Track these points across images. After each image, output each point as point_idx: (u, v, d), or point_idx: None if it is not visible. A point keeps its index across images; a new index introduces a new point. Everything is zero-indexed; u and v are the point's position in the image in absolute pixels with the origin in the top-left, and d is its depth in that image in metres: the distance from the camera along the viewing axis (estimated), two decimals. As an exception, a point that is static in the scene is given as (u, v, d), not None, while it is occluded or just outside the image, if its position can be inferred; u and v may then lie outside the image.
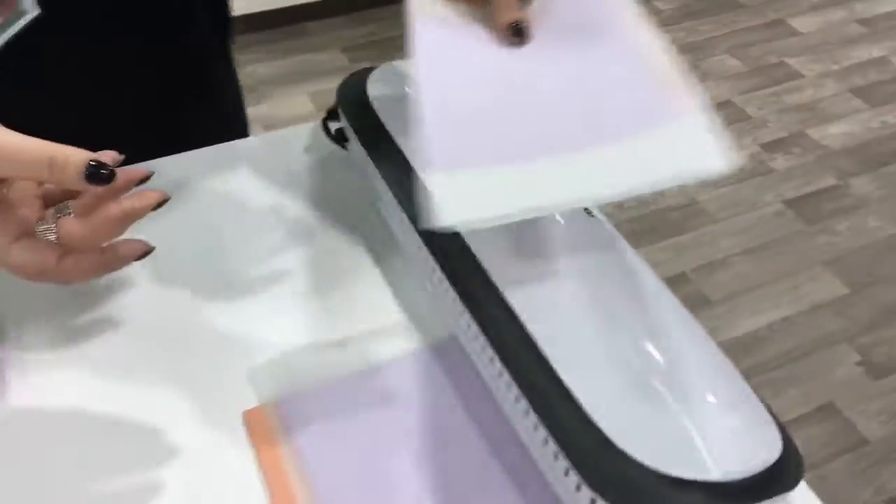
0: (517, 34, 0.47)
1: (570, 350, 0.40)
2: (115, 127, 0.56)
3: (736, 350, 1.46)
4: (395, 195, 0.50)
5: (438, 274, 0.47)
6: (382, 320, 0.50)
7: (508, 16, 0.46)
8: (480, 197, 0.39)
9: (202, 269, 0.53)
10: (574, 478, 0.37)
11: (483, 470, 0.42)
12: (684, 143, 0.41)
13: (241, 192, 0.58)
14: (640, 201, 1.69)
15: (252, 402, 0.45)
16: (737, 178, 1.81)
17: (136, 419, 0.44)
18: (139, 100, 0.66)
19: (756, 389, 0.41)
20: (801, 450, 0.39)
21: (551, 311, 0.41)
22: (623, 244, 0.47)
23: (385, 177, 0.51)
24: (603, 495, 0.36)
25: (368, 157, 0.53)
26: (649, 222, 1.68)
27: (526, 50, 0.47)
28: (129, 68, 0.64)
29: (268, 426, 0.44)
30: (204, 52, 0.69)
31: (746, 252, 1.65)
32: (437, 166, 0.40)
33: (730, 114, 1.98)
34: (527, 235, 0.46)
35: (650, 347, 0.40)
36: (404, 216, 0.49)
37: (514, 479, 0.42)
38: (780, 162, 1.86)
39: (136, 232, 0.42)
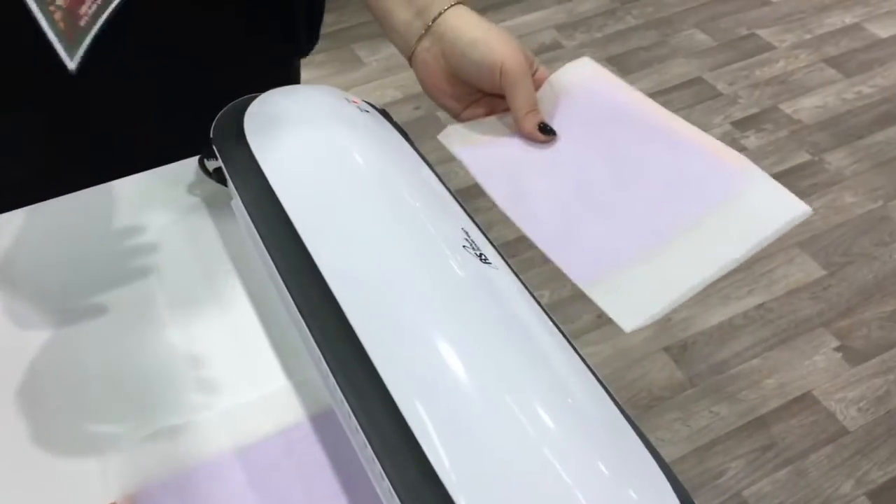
0: (546, 133, 0.53)
1: (442, 420, 0.34)
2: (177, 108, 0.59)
3: (711, 340, 1.41)
4: (267, 246, 0.45)
5: (311, 341, 0.41)
6: (263, 387, 0.45)
7: (530, 121, 0.53)
8: (641, 294, 0.44)
9: (56, 322, 0.47)
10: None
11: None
12: (763, 202, 0.48)
13: (111, 236, 0.53)
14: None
15: (107, 499, 0.40)
16: (708, 159, 1.76)
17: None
18: (205, 86, 0.62)
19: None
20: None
21: (425, 376, 0.36)
22: (519, 293, 0.42)
23: (257, 225, 0.46)
24: None
25: (241, 200, 0.47)
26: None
27: (564, 146, 0.53)
28: (204, 52, 0.62)
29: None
30: (282, 55, 0.69)
31: (720, 236, 1.60)
32: (589, 280, 0.45)
33: (699, 91, 1.92)
34: (412, 292, 0.40)
35: (536, 415, 0.35)
36: (275, 270, 0.44)
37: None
38: (752, 140, 1.80)
39: None
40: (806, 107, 1.88)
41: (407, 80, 1.90)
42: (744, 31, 2.11)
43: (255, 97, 0.52)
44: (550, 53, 2.03)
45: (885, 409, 1.32)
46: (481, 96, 0.56)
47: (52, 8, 0.42)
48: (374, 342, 0.38)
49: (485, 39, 0.52)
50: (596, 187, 0.51)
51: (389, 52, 1.99)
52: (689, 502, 0.35)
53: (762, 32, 2.11)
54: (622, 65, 2.00)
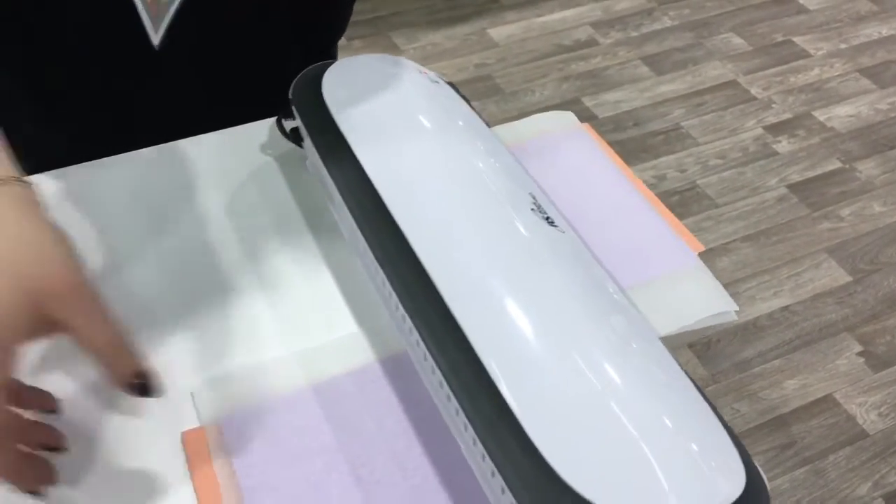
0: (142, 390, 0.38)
1: (523, 375, 0.37)
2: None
3: (734, 339, 1.43)
4: (345, 199, 0.47)
5: (388, 286, 0.44)
6: (335, 332, 0.47)
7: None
8: None
9: (144, 275, 0.50)
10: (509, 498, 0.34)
11: (432, 494, 0.40)
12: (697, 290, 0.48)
13: (190, 191, 0.55)
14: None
15: (192, 423, 0.43)
16: (739, 161, 1.77)
17: (74, 436, 0.42)
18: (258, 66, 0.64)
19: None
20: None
21: (502, 325, 0.39)
22: (589, 258, 0.44)
23: (336, 180, 0.48)
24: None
25: (320, 158, 0.50)
26: (648, 207, 1.64)
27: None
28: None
29: (206, 447, 0.42)
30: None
31: (748, 238, 1.61)
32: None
33: (733, 94, 1.93)
34: (484, 246, 0.43)
35: (612, 376, 0.37)
36: (354, 225, 0.47)
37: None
38: (784, 145, 1.81)
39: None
40: (839, 115, 1.89)
41: (445, 69, 1.93)
42: (779, 38, 2.12)
43: (330, 63, 0.55)
44: (585, 50, 2.04)
45: (906, 415, 1.33)
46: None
47: None
48: (450, 288, 0.40)
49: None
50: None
51: (427, 40, 2.01)
52: (750, 462, 0.37)
53: (798, 40, 2.12)
54: (657, 65, 2.01)
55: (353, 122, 0.49)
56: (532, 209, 0.45)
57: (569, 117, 0.60)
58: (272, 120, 0.59)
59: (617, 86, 1.94)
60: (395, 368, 0.45)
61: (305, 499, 0.40)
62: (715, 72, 2.00)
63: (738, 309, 0.48)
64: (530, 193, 0.47)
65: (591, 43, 2.08)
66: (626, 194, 0.54)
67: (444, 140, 0.48)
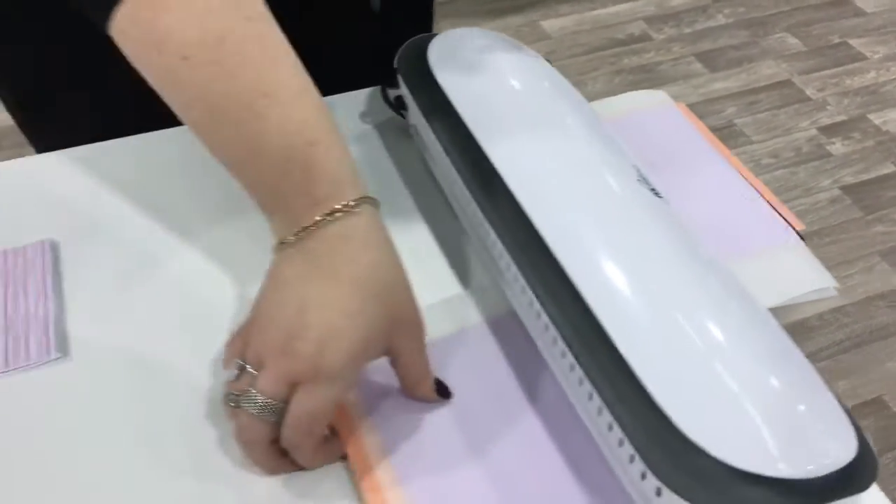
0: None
1: (639, 333, 0.38)
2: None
3: (783, 338, 1.42)
4: (454, 164, 0.49)
5: (499, 247, 0.45)
6: (440, 295, 0.49)
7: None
8: None
9: (253, 234, 0.52)
10: (640, 466, 0.35)
11: (545, 455, 0.41)
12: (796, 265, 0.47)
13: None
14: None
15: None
16: (792, 160, 1.76)
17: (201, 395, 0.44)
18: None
19: None
20: None
21: (618, 290, 0.40)
22: (693, 230, 0.45)
23: (445, 146, 0.50)
24: (670, 485, 0.34)
25: (427, 125, 0.51)
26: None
27: None
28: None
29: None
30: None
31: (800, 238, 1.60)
32: None
33: (788, 94, 1.92)
34: (594, 213, 0.44)
35: (725, 336, 0.38)
36: (463, 187, 0.48)
37: (576, 464, 0.41)
38: (838, 147, 1.80)
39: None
40: (894, 119, 1.86)
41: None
42: (836, 40, 2.10)
43: (433, 35, 0.56)
44: (638, 45, 2.04)
45: (957, 421, 1.32)
46: None
47: None
48: (564, 248, 0.41)
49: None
50: None
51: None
52: (859, 430, 0.37)
53: (854, 42, 2.10)
54: (711, 62, 2.00)
55: (461, 89, 0.51)
56: (638, 180, 0.46)
57: (661, 96, 0.61)
58: (360, 92, 0.61)
59: (670, 81, 1.93)
60: (501, 330, 0.46)
61: (427, 447, 0.41)
62: (769, 71, 1.99)
63: (837, 286, 0.49)
64: (634, 166, 0.48)
65: (644, 38, 2.07)
66: (723, 171, 0.55)
67: (552, 109, 0.49)
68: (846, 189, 1.71)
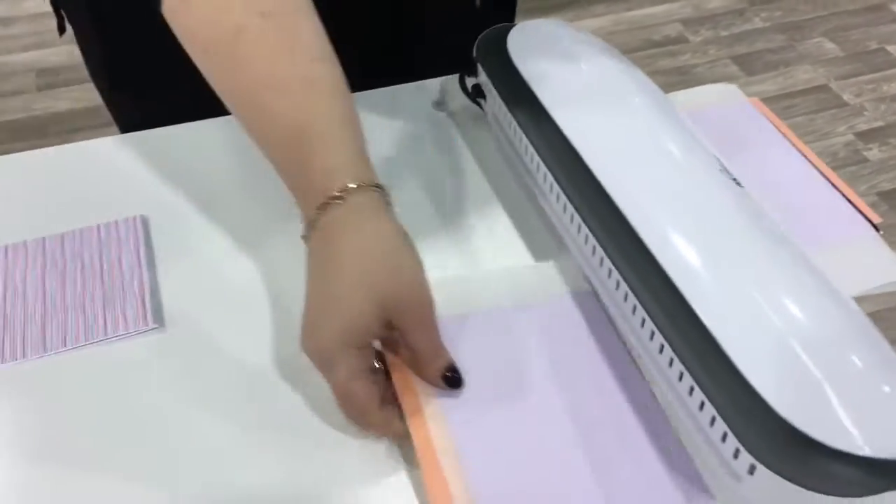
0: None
1: (731, 316, 0.39)
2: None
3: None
4: (539, 152, 0.50)
5: (584, 228, 0.46)
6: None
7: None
8: None
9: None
10: (733, 443, 0.36)
11: (623, 432, 0.42)
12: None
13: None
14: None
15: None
16: (829, 165, 1.75)
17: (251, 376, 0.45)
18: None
19: None
20: None
21: (709, 275, 0.41)
22: (774, 220, 0.46)
23: (527, 133, 0.51)
24: (764, 462, 0.35)
25: (508, 112, 0.53)
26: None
27: None
28: None
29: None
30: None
31: (834, 243, 1.60)
32: None
33: (825, 99, 1.91)
34: (681, 200, 0.45)
35: (814, 319, 0.39)
36: (548, 174, 0.49)
37: (656, 441, 0.42)
38: (874, 153, 1.79)
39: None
40: (932, 126, 1.86)
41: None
42: (873, 46, 2.09)
43: (511, 25, 0.58)
44: (674, 47, 2.04)
45: None
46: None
47: None
48: (653, 234, 0.43)
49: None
50: None
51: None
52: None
53: (891, 48, 2.09)
54: (747, 65, 2.00)
55: (542, 77, 0.52)
56: (720, 170, 0.47)
57: (734, 90, 0.61)
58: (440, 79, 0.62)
59: (706, 84, 1.93)
60: (579, 305, 0.47)
61: (500, 417, 0.42)
62: (806, 75, 1.98)
63: None
64: (715, 156, 0.49)
65: (680, 40, 2.07)
66: (798, 163, 0.56)
67: (632, 98, 0.51)
68: (883, 195, 1.70)
